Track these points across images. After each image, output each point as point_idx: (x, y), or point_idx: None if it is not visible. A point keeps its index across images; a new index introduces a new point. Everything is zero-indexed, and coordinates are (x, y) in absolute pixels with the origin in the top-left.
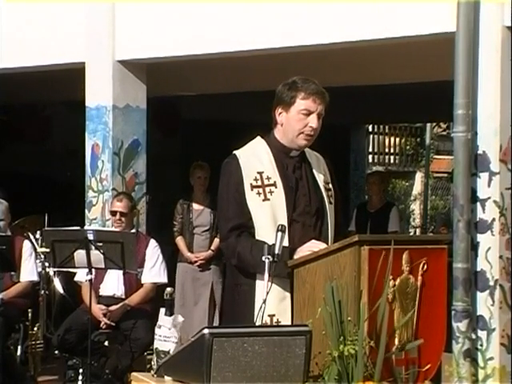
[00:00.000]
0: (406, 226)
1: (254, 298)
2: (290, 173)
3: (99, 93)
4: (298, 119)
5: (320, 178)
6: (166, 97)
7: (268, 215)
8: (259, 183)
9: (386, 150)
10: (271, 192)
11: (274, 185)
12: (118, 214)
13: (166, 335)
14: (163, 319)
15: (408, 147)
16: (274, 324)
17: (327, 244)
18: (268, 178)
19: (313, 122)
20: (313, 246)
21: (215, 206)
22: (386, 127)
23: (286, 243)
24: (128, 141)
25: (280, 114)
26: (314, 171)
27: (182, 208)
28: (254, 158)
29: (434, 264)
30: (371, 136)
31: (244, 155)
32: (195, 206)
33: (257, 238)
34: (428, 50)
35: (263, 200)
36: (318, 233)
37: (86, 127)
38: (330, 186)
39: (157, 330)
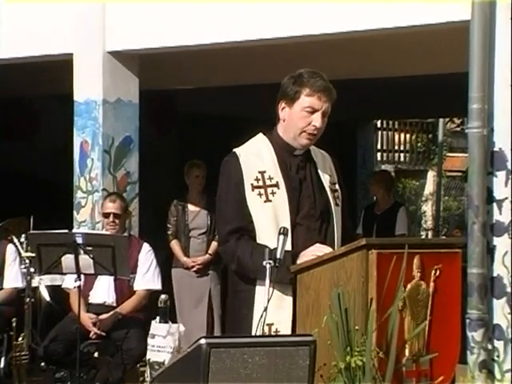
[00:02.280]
0: (417, 229)
1: (252, 305)
2: (293, 173)
3: (88, 86)
4: (301, 116)
5: (326, 178)
6: (161, 90)
7: (270, 218)
8: (260, 183)
9: (396, 148)
10: (273, 193)
11: (277, 185)
12: (111, 215)
13: (160, 345)
14: (157, 327)
15: (419, 144)
16: (273, 334)
17: (333, 248)
18: (270, 178)
19: (317, 120)
20: (317, 250)
21: (212, 207)
22: (396, 123)
23: (288, 247)
24: (119, 138)
25: (283, 108)
26: (320, 171)
27: (177, 209)
28: (256, 157)
29: (447, 269)
30: (380, 132)
31: (244, 153)
32: (191, 208)
33: (258, 241)
34: (441, 39)
35: (265, 201)
36: (324, 237)
37: (75, 123)
38: (337, 186)
39: (150, 340)
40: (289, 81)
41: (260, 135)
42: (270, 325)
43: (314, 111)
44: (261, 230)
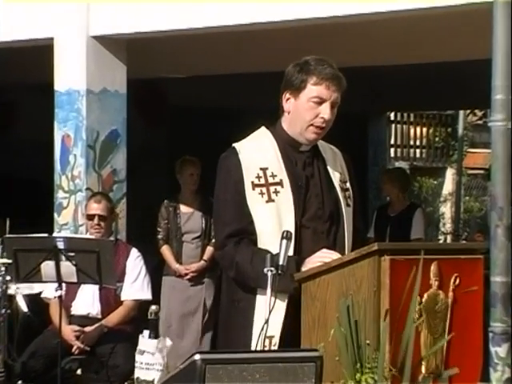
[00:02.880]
0: (434, 233)
1: (252, 316)
2: (299, 169)
3: (70, 74)
4: (307, 108)
5: (336, 176)
6: (151, 79)
7: (272, 219)
8: (262, 181)
9: (411, 143)
10: (276, 192)
11: (280, 183)
12: (96, 217)
13: (149, 362)
14: (145, 343)
15: (437, 139)
16: (273, 347)
17: (343, 254)
18: (273, 176)
19: (325, 112)
20: (324, 256)
21: (206, 209)
22: (411, 115)
23: (292, 253)
24: (105, 131)
25: (288, 99)
26: (329, 168)
27: (168, 211)
28: (257, 152)
29: (467, 277)
30: (393, 126)
31: (245, 149)
32: (183, 209)
33: (259, 246)
34: (461, 22)
35: (267, 201)
36: (333, 241)
37: (55, 115)
38: (348, 185)
39: (138, 357)
40: (294, 69)
41: (262, 129)
42: (270, 337)
43: (321, 102)
44: (262, 233)
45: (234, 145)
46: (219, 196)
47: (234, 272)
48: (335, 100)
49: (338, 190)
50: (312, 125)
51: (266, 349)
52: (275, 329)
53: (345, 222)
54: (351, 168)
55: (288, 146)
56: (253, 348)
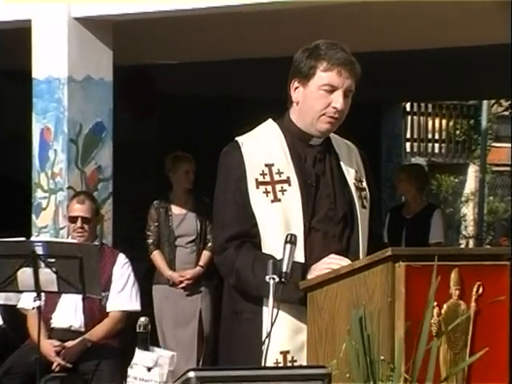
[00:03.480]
0: (454, 237)
1: (260, 329)
2: (309, 166)
3: (50, 61)
4: (318, 97)
5: (350, 174)
6: (139, 66)
7: (279, 221)
8: (267, 179)
9: (429, 136)
10: (283, 191)
11: (288, 181)
12: (79, 220)
13: (144, 378)
14: (140, 356)
15: (458, 132)
16: (289, 364)
17: (356, 260)
18: (279, 173)
19: (337, 101)
20: (332, 262)
21: (201, 210)
22: (429, 106)
23: (300, 258)
24: (89, 124)
25: (296, 89)
26: (343, 165)
27: (158, 212)
28: (262, 147)
29: (491, 286)
30: (409, 117)
31: (248, 143)
32: (175, 210)
33: (263, 250)
34: (485, 3)
35: (272, 201)
36: (346, 245)
37: (34, 106)
38: (364, 184)
39: (130, 371)
40: (302, 54)
41: (269, 121)
42: (284, 353)
43: (333, 90)
44: (267, 237)
45: (236, 138)
46: (219, 195)
47: (234, 279)
48: (348, 88)
49: (353, 190)
50: (324, 115)
51: (281, 365)
52: (288, 343)
53: (359, 224)
54: (368, 166)
55: (297, 140)
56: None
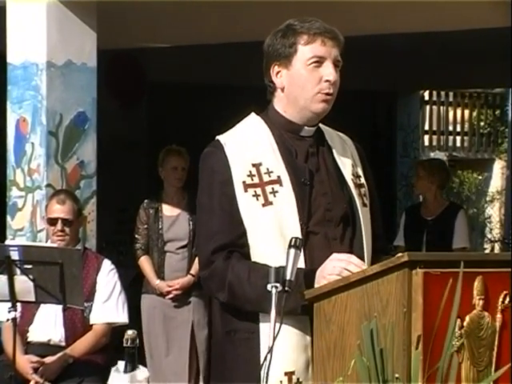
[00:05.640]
0: (478, 240)
1: (257, 350)
2: (300, 162)
3: (27, 44)
4: (306, 73)
5: (347, 169)
6: (126, 50)
7: (272, 227)
8: (256, 180)
9: (450, 128)
10: (274, 192)
11: (279, 181)
12: (59, 221)
13: None
14: (117, 377)
15: (482, 124)
16: None
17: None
18: (269, 173)
19: (328, 73)
20: (342, 262)
21: (195, 211)
22: (450, 94)
23: (301, 265)
24: (70, 115)
25: (278, 73)
26: (338, 159)
27: (147, 214)
28: (247, 145)
29: None
30: (428, 107)
31: (232, 142)
32: (166, 211)
33: (253, 260)
34: None
35: (263, 205)
36: (348, 248)
37: (8, 94)
38: (363, 179)
39: None
40: (274, 37)
41: (252, 116)
42: (289, 373)
43: (320, 62)
44: (258, 245)
45: (217, 137)
46: (203, 202)
47: (226, 295)
48: (336, 57)
49: (352, 186)
50: (318, 92)
51: None
52: (293, 362)
53: (362, 225)
54: (364, 158)
55: (285, 133)
56: None
